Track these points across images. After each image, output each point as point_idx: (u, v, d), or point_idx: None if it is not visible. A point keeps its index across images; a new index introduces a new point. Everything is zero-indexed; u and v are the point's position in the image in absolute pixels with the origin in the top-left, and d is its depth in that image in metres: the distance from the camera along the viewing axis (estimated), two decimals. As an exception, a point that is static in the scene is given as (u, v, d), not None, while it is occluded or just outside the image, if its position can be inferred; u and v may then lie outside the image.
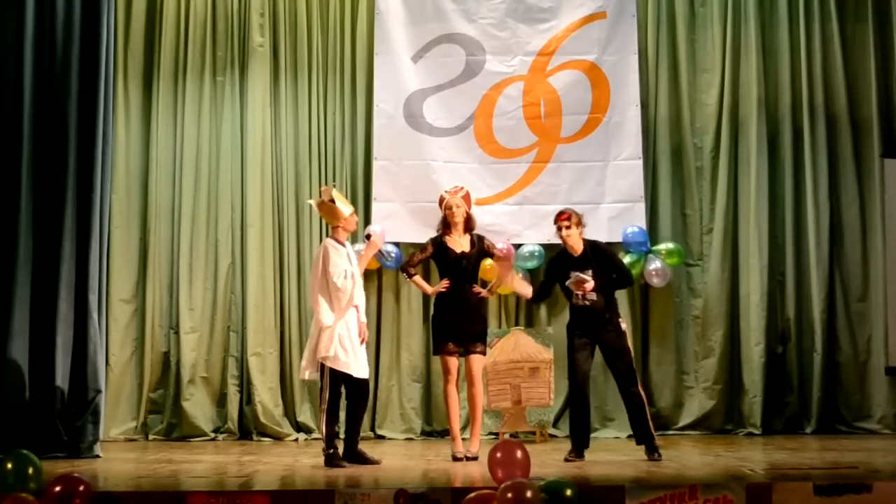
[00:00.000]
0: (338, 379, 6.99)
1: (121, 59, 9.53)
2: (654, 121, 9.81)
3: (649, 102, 9.82)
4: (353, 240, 9.39)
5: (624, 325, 7.36)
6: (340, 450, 7.07)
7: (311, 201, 7.66)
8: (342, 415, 7.23)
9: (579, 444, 7.21)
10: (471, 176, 9.45)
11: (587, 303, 7.22)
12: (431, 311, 7.93)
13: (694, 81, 9.84)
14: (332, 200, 7.19)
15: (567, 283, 7.22)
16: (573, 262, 7.28)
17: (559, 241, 9.50)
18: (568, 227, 7.32)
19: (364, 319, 7.26)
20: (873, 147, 9.56)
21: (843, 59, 9.67)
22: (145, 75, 9.70)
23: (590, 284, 7.16)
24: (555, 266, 7.49)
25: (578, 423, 7.27)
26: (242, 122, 9.66)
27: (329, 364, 6.95)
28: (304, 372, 7.15)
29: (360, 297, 7.18)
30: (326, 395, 6.98)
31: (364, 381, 7.17)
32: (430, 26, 9.77)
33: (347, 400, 7.15)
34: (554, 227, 7.43)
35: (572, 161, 9.69)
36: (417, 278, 7.85)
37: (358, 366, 7.04)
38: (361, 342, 7.11)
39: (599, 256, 7.33)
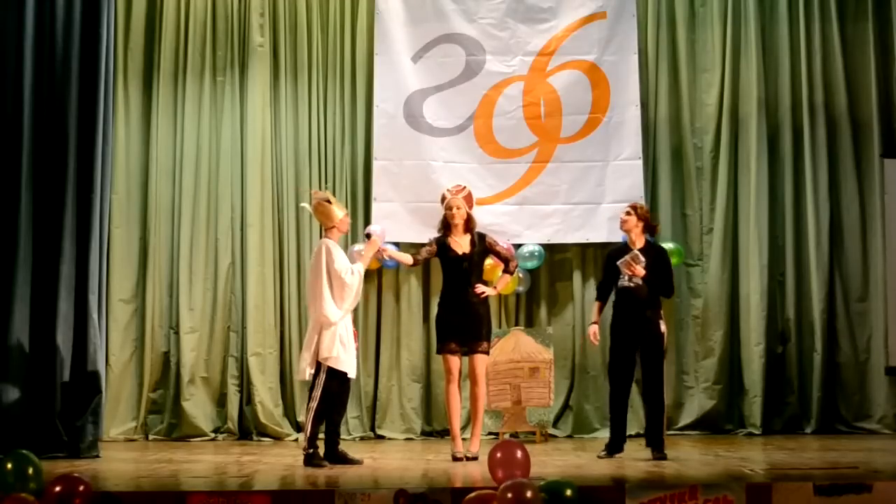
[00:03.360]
0: (333, 380, 7.00)
1: (121, 59, 9.53)
2: (654, 121, 9.81)
3: (649, 102, 9.81)
4: (354, 239, 9.45)
5: (663, 328, 7.41)
6: (320, 451, 7.06)
7: (306, 204, 7.66)
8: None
9: (613, 441, 7.32)
10: (471, 176, 9.45)
11: (631, 285, 7.26)
12: (433, 311, 7.93)
13: (694, 81, 9.84)
14: (328, 202, 7.21)
15: (621, 260, 7.26)
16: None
17: (559, 241, 9.62)
18: (628, 215, 7.45)
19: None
20: (873, 147, 9.57)
21: (843, 59, 9.67)
22: (145, 75, 9.70)
23: (641, 269, 7.20)
24: (612, 257, 7.47)
25: (614, 422, 7.38)
26: (242, 122, 9.66)
27: (331, 364, 6.96)
28: (304, 372, 7.12)
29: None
30: (318, 394, 6.99)
31: (348, 383, 7.20)
32: (430, 26, 9.77)
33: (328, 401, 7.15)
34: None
35: (572, 161, 9.69)
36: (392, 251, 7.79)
37: (353, 366, 7.11)
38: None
39: (659, 259, 7.38)
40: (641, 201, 9.50)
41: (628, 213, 7.46)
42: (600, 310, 7.58)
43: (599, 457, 7.26)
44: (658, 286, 7.35)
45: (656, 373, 7.30)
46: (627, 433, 9.12)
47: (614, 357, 7.40)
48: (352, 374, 7.12)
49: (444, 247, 7.56)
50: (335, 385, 7.04)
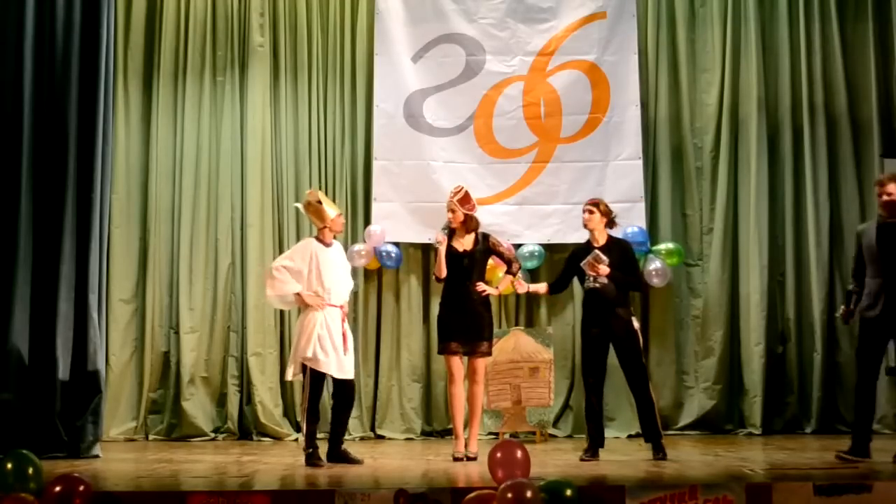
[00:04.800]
0: (319, 379, 7.01)
1: (121, 59, 9.54)
2: (654, 121, 9.81)
3: (649, 102, 9.81)
4: (354, 238, 9.46)
5: (636, 324, 7.38)
6: (323, 449, 7.08)
7: (298, 204, 7.66)
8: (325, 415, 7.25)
9: (595, 443, 7.27)
10: (471, 176, 9.45)
11: (598, 285, 7.21)
12: (433, 311, 7.90)
13: (694, 81, 9.84)
14: (319, 202, 7.20)
15: (583, 262, 7.22)
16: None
17: (560, 241, 9.62)
18: (590, 213, 7.36)
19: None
20: (873, 147, 9.57)
21: (843, 59, 9.67)
22: (145, 75, 9.70)
23: (604, 268, 7.16)
24: (576, 256, 7.43)
25: (594, 422, 7.32)
26: (242, 122, 9.66)
27: (309, 364, 6.98)
28: (287, 372, 7.23)
29: (339, 297, 7.19)
30: (307, 394, 7.02)
31: (349, 383, 7.19)
32: (430, 26, 9.77)
33: (333, 401, 7.18)
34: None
35: (572, 161, 9.69)
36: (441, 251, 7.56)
37: (339, 368, 7.05)
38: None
39: (621, 254, 7.34)
40: (641, 202, 9.55)
41: (591, 211, 7.37)
42: (546, 291, 7.83)
43: (582, 459, 7.17)
44: (626, 283, 7.32)
45: (638, 370, 7.28)
46: (628, 433, 9.21)
47: (586, 358, 7.36)
48: (339, 376, 7.07)
49: (448, 244, 7.52)
50: (322, 385, 7.05)
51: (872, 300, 6.79)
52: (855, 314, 6.98)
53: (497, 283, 8.07)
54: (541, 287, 7.81)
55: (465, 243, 7.52)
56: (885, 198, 6.87)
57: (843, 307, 7.12)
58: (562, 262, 9.65)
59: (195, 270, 9.51)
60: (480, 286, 7.47)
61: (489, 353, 7.56)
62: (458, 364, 7.44)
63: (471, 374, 7.49)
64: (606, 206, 7.47)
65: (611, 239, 7.41)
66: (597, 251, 7.22)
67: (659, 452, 7.17)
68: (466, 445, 7.43)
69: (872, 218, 9.39)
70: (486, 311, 7.53)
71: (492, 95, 9.74)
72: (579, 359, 9.55)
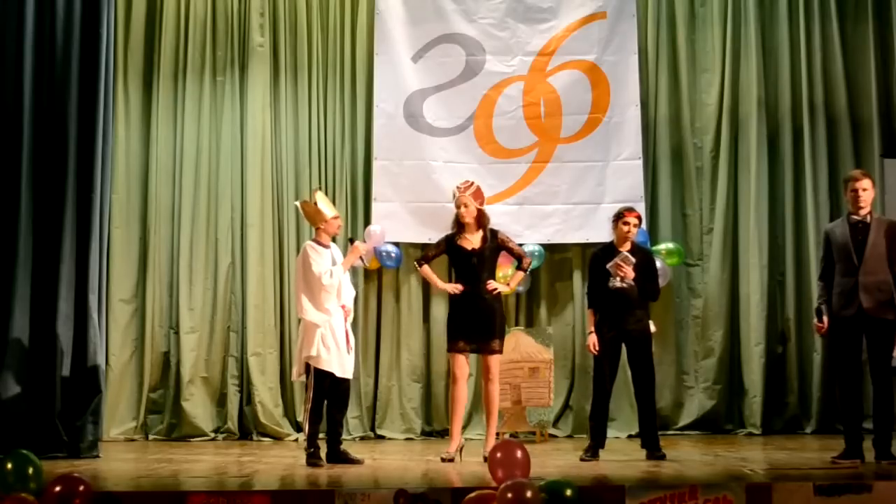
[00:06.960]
0: (323, 379, 7.01)
1: (121, 59, 9.53)
2: (654, 121, 9.82)
3: (649, 102, 9.82)
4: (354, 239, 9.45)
5: (653, 328, 7.38)
6: (323, 450, 7.08)
7: (297, 203, 7.66)
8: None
9: (597, 443, 7.26)
10: (471, 176, 9.37)
11: (625, 286, 7.18)
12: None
13: (694, 81, 9.84)
14: (316, 203, 7.20)
15: (610, 263, 7.17)
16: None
17: (559, 241, 9.62)
18: (636, 226, 7.36)
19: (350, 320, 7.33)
20: (873, 147, 9.57)
21: (843, 59, 9.67)
22: (145, 75, 9.70)
23: (631, 271, 7.15)
24: (600, 259, 7.32)
25: (600, 424, 7.30)
26: (242, 122, 9.66)
27: (312, 363, 6.99)
28: (293, 372, 7.24)
29: (347, 298, 7.21)
30: (311, 394, 7.01)
31: (346, 383, 7.19)
32: (430, 26, 9.77)
33: (328, 400, 7.14)
34: (614, 222, 7.35)
35: (572, 161, 9.69)
36: (426, 269, 7.60)
37: (341, 366, 7.06)
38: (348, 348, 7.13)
39: (645, 260, 7.34)
40: (641, 201, 9.55)
41: (636, 226, 7.36)
42: (595, 317, 7.36)
43: (582, 459, 7.14)
44: (645, 289, 7.30)
45: (648, 372, 7.27)
46: (629, 433, 9.21)
47: (603, 360, 7.27)
48: (341, 374, 7.07)
49: (454, 244, 7.44)
50: (327, 385, 7.05)
51: (846, 299, 6.71)
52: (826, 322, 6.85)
53: (507, 280, 8.01)
54: (592, 322, 7.34)
55: (473, 241, 7.39)
56: (860, 193, 6.81)
57: (817, 323, 6.89)
58: (562, 263, 9.75)
59: (195, 270, 9.51)
60: (492, 284, 7.35)
61: (500, 351, 7.40)
62: (464, 364, 7.36)
63: (484, 373, 7.38)
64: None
65: (635, 245, 7.38)
66: (625, 253, 7.20)
67: (656, 451, 7.16)
68: (484, 447, 7.23)
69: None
70: (499, 309, 7.42)
71: (492, 95, 9.75)
72: (579, 359, 9.59)
